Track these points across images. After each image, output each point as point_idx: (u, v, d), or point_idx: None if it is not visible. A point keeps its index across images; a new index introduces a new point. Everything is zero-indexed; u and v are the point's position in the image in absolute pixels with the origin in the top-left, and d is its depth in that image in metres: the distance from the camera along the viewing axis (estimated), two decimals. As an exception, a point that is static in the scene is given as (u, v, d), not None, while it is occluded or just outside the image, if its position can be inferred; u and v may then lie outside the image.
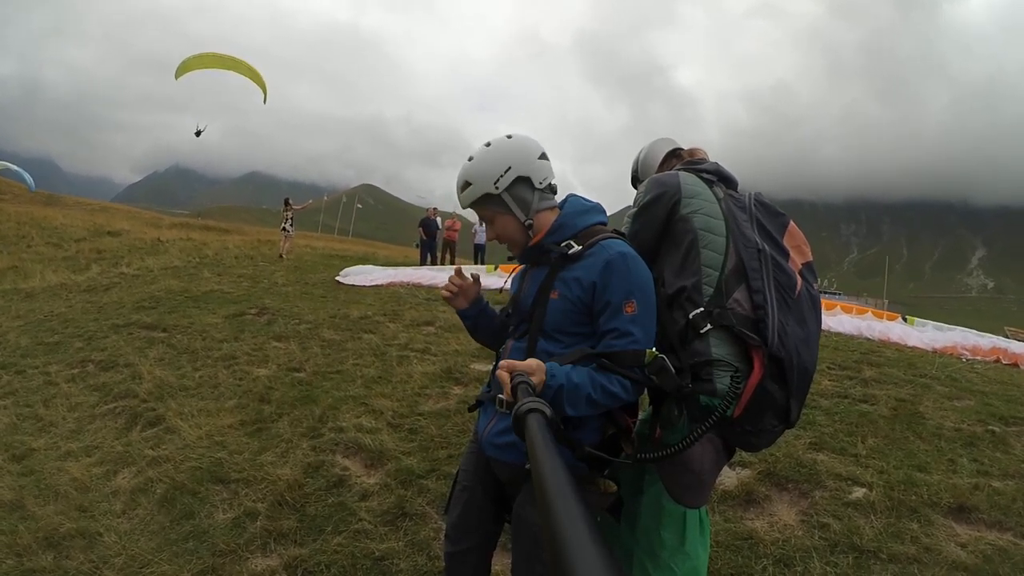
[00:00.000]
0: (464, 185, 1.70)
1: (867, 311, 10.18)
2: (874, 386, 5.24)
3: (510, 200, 1.69)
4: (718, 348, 1.62)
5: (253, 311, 8.25)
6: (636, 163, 2.28)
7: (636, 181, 2.26)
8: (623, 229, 1.86)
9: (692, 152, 2.11)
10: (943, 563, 2.58)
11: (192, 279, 11.56)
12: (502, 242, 1.76)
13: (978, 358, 7.52)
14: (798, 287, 1.70)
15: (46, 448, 4.27)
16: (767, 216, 1.80)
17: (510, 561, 2.56)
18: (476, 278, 1.90)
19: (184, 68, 12.73)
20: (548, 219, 1.72)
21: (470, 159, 1.70)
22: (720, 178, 1.91)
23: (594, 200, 1.78)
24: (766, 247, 1.71)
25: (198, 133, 15.15)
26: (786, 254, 1.75)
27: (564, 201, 1.77)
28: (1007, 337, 11.22)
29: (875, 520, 2.90)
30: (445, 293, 1.88)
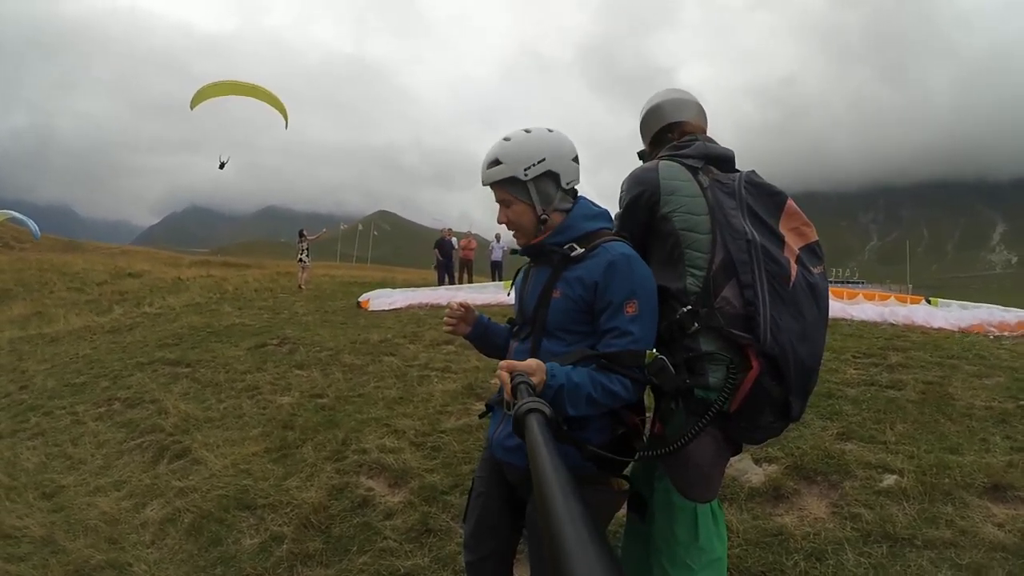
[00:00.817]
0: (493, 162, 1.66)
1: (890, 296, 10.02)
2: (901, 371, 5.12)
3: (534, 191, 1.67)
4: (708, 344, 1.59)
5: (275, 341, 8.34)
6: (640, 121, 2.07)
7: (640, 154, 2.08)
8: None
9: (682, 128, 1.94)
10: (981, 545, 2.50)
11: (214, 315, 11.75)
12: (511, 228, 1.75)
13: (1005, 334, 7.34)
14: (792, 277, 1.60)
15: (75, 485, 4.35)
16: (759, 198, 1.70)
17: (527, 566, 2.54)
18: (467, 306, 1.91)
19: (200, 97, 12.35)
20: (558, 219, 1.72)
21: (506, 139, 1.68)
22: (709, 160, 1.78)
23: (604, 207, 1.78)
24: (756, 236, 1.61)
25: (222, 165, 15.29)
26: (780, 240, 1.65)
27: (573, 203, 1.76)
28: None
29: (908, 507, 2.82)
30: (447, 328, 1.90)
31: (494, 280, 17.55)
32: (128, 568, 3.10)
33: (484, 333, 1.93)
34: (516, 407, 1.13)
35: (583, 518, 0.65)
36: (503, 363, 1.42)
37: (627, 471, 1.72)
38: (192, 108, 12.38)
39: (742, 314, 1.57)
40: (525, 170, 1.64)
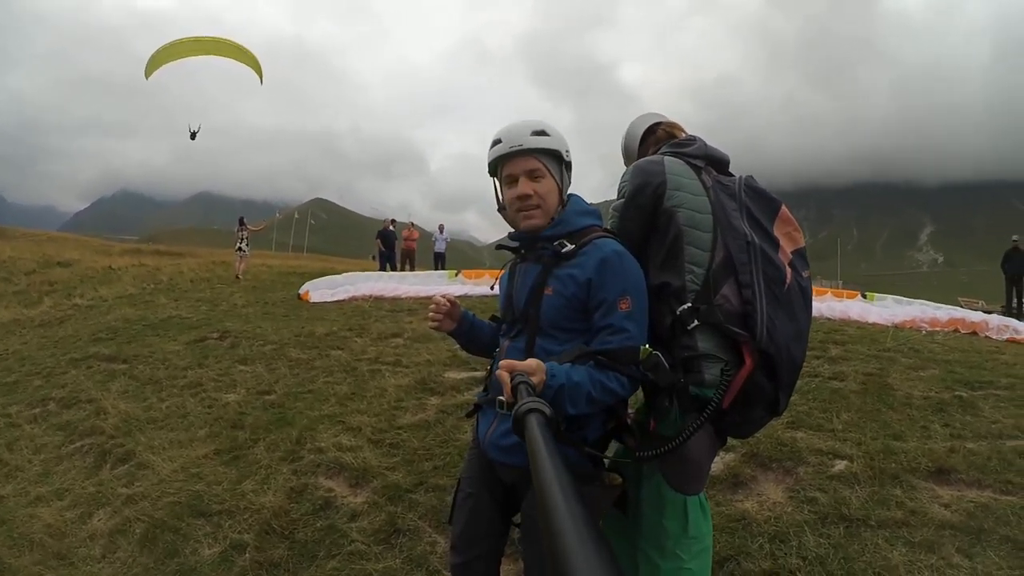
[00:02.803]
0: (539, 132, 1.67)
1: (827, 291, 10.51)
2: (841, 363, 5.41)
3: (566, 173, 1.75)
4: (705, 342, 1.62)
5: (215, 335, 7.99)
6: (622, 147, 2.15)
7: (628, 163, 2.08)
8: (608, 222, 1.83)
9: (671, 128, 2.01)
10: (930, 523, 2.68)
11: (148, 306, 11.16)
12: (530, 204, 1.67)
13: (937, 329, 7.84)
14: (787, 280, 1.67)
15: (15, 495, 4.06)
16: (757, 202, 1.76)
17: (514, 567, 2.53)
18: (453, 300, 1.88)
19: (155, 63, 10.92)
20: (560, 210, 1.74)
21: (536, 122, 1.70)
22: (709, 161, 1.84)
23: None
24: (755, 238, 1.67)
25: (193, 135, 14.34)
26: (776, 244, 1.72)
27: (567, 199, 1.77)
28: (961, 307, 11.70)
29: (860, 490, 3.00)
30: (432, 324, 1.86)
31: (436, 269, 17.60)
32: (80, 585, 2.90)
33: (469, 329, 1.90)
34: (516, 407, 1.12)
35: (584, 519, 0.65)
36: (503, 363, 1.40)
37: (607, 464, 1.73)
38: (147, 77, 11.13)
39: (739, 312, 1.62)
40: (566, 151, 1.72)
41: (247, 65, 11.94)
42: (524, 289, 1.69)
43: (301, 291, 11.61)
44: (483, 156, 1.76)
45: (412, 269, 18.89)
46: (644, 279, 1.62)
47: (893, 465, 3.20)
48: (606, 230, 1.74)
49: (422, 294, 10.83)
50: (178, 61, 11.21)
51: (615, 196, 1.87)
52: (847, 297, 10.22)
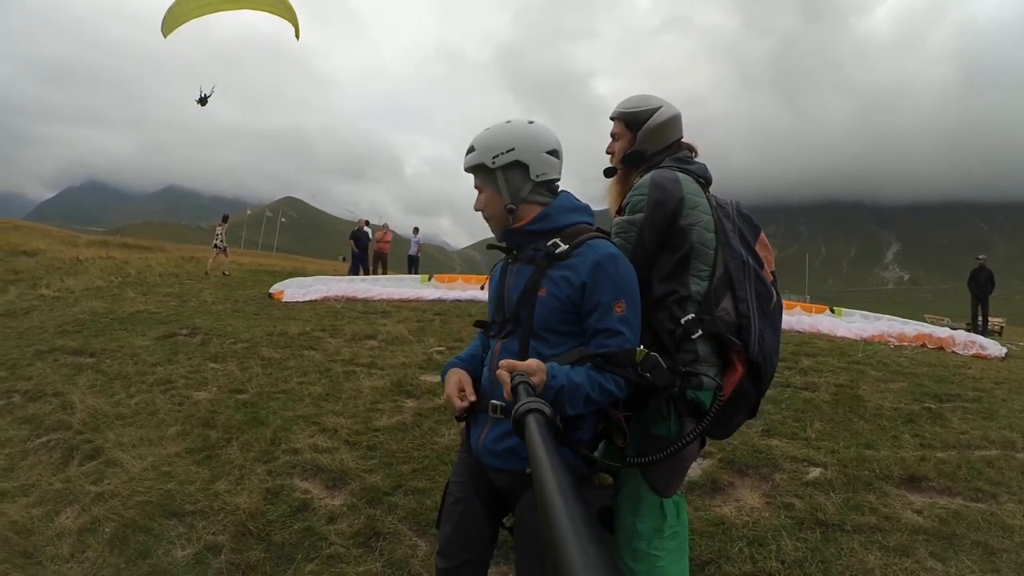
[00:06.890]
0: (469, 149, 1.71)
1: (796, 305, 10.76)
2: (813, 374, 5.54)
3: (501, 179, 1.69)
4: (703, 347, 1.72)
5: (184, 331, 7.80)
6: (645, 125, 1.97)
7: (636, 154, 1.98)
8: (616, 233, 1.83)
9: (680, 144, 2.00)
10: (903, 529, 2.77)
11: (116, 300, 10.84)
12: (484, 216, 1.76)
13: (905, 344, 8.07)
14: (774, 299, 1.84)
15: (-22, 490, 3.86)
16: (746, 226, 1.90)
17: (498, 571, 2.51)
18: (464, 383, 1.71)
19: (175, 20, 9.80)
20: (533, 212, 1.71)
21: (487, 128, 1.72)
22: (707, 181, 1.93)
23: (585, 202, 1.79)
24: (749, 259, 1.82)
25: (204, 100, 13.48)
26: (762, 264, 1.86)
27: (557, 196, 1.76)
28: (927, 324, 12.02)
29: (834, 496, 3.08)
30: (459, 410, 1.69)
31: (410, 273, 17.60)
32: (48, 585, 2.77)
33: (477, 368, 1.81)
34: (516, 407, 1.11)
35: (584, 519, 0.65)
36: (503, 362, 1.38)
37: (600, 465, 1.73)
38: (165, 35, 10.13)
39: (735, 324, 1.74)
40: (493, 158, 1.66)
41: (283, 18, 10.74)
42: (516, 290, 1.67)
43: (273, 290, 11.41)
44: (458, 161, 1.77)
45: (384, 272, 18.75)
46: (637, 282, 1.64)
47: (866, 472, 3.30)
48: (599, 230, 1.73)
49: (395, 297, 10.75)
50: (198, 19, 10.13)
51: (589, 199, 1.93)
52: (816, 311, 10.45)
